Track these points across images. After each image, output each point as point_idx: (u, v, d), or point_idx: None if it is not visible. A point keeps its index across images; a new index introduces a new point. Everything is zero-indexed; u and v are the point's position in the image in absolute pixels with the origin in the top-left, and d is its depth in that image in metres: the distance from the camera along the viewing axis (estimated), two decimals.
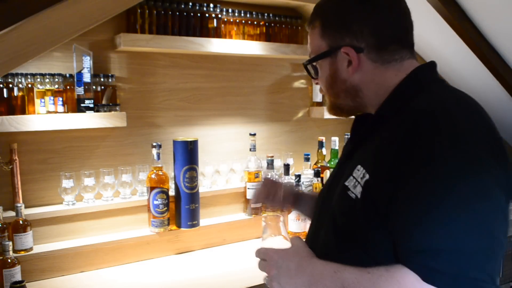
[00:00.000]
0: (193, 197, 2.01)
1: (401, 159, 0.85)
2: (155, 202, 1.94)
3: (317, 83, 1.13)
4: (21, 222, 1.71)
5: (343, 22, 1.01)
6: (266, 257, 1.04)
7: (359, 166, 0.95)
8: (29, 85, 1.72)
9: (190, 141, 1.99)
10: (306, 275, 0.95)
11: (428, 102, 0.92)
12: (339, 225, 0.98)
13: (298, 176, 2.16)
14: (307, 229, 2.00)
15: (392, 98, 0.99)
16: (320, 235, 1.06)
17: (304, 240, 1.11)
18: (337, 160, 2.44)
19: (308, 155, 2.33)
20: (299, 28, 2.37)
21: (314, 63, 1.08)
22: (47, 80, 1.76)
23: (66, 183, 1.83)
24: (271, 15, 2.27)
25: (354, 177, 0.95)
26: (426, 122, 0.86)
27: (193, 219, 2.01)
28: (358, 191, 0.92)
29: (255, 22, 2.24)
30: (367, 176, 0.90)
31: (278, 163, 2.39)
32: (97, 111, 1.83)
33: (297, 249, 1.03)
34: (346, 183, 0.97)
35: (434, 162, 0.81)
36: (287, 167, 2.28)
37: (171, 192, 2.02)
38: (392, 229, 0.86)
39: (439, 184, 0.80)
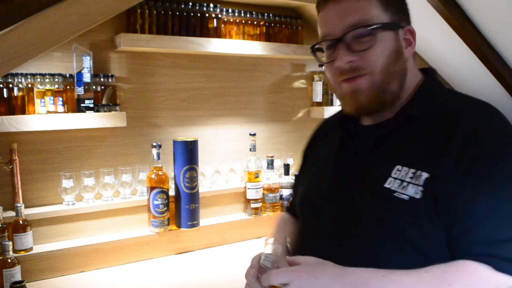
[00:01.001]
0: (193, 197, 2.01)
1: (467, 154, 0.86)
2: (155, 202, 1.94)
3: (350, 61, 0.95)
4: (21, 222, 1.71)
5: (402, 2, 1.00)
6: (290, 277, 0.85)
7: (399, 167, 0.92)
8: (29, 85, 1.72)
9: (190, 141, 1.99)
10: (348, 285, 0.82)
11: (467, 100, 0.98)
12: (388, 230, 0.90)
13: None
14: None
15: (423, 98, 0.98)
16: (348, 249, 0.95)
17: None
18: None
19: None
20: (299, 28, 2.37)
21: (374, 31, 0.94)
22: (47, 80, 1.76)
23: (66, 183, 1.83)
24: (271, 15, 2.27)
25: (397, 178, 0.91)
26: (482, 117, 0.91)
27: (193, 219, 2.01)
28: (412, 192, 0.88)
29: (255, 22, 2.24)
30: (425, 175, 0.88)
31: (278, 163, 2.39)
32: (97, 111, 1.82)
33: (318, 262, 0.89)
34: (387, 186, 0.92)
35: (500, 155, 0.86)
36: (287, 167, 2.29)
37: (171, 192, 2.02)
38: (454, 222, 0.85)
39: (508, 175, 0.84)
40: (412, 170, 0.89)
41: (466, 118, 0.91)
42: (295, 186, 1.31)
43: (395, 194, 0.90)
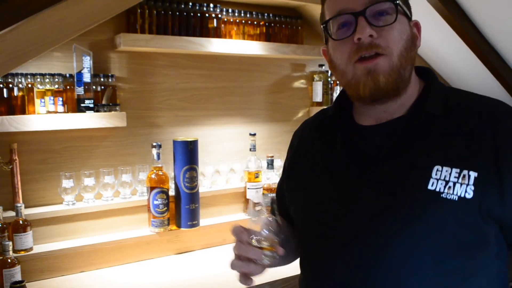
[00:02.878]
0: (193, 197, 2.01)
1: None
2: (155, 202, 1.94)
3: (371, 35, 0.89)
4: (21, 222, 1.71)
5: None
6: None
7: (438, 167, 0.87)
8: (29, 85, 1.72)
9: (190, 141, 1.99)
10: None
11: (482, 97, 0.97)
12: (437, 233, 0.85)
13: None
14: None
15: (436, 95, 0.95)
16: (392, 254, 0.88)
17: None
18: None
19: None
20: (299, 28, 2.37)
21: (396, 9, 0.91)
22: (47, 80, 1.76)
23: (66, 183, 1.83)
24: (271, 15, 2.27)
25: (441, 179, 0.87)
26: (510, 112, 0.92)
27: (193, 219, 2.01)
28: (461, 191, 0.85)
29: (255, 22, 2.24)
30: (473, 174, 0.85)
31: (278, 163, 2.39)
32: (97, 111, 1.83)
33: None
34: (431, 188, 0.87)
35: None
36: None
37: (171, 192, 2.02)
38: None
39: None
40: (456, 170, 0.86)
41: (498, 114, 0.90)
42: (282, 190, 1.21)
43: (443, 196, 0.86)
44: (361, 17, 0.89)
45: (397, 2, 0.90)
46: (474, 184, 0.85)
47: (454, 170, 0.86)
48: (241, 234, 0.93)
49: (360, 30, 0.89)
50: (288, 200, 1.14)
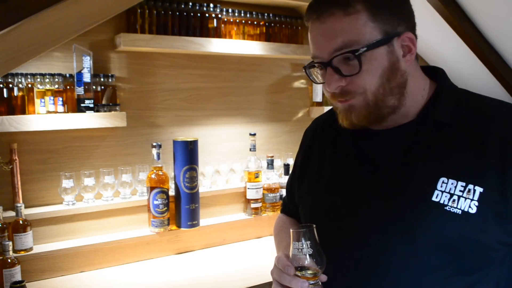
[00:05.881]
0: (193, 197, 2.01)
1: None
2: (155, 202, 1.94)
3: (339, 87, 0.90)
4: (21, 222, 1.71)
5: (397, 4, 0.91)
6: None
7: (444, 179, 0.86)
8: (29, 85, 1.72)
9: (190, 141, 1.99)
10: None
11: (497, 104, 0.93)
12: (438, 245, 0.85)
13: None
14: None
15: (446, 102, 0.92)
16: (392, 263, 0.88)
17: None
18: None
19: None
20: (299, 28, 2.37)
21: (363, 54, 0.87)
22: (47, 80, 1.76)
23: (66, 183, 1.83)
24: (271, 15, 2.27)
25: (445, 191, 0.86)
26: None
27: (193, 219, 2.01)
28: (465, 206, 0.84)
29: (255, 22, 2.24)
30: (478, 189, 0.84)
31: (278, 163, 2.39)
32: (97, 111, 1.83)
33: None
34: (436, 199, 0.86)
35: None
36: (287, 167, 2.29)
37: (171, 192, 2.02)
38: None
39: None
40: (462, 183, 0.85)
41: (510, 122, 0.88)
42: (292, 188, 1.23)
43: (447, 208, 0.85)
44: (328, 68, 0.90)
45: (359, 52, 0.86)
46: (478, 200, 0.83)
47: (460, 183, 0.85)
48: (287, 266, 0.90)
49: (328, 84, 0.91)
50: (297, 199, 1.16)
